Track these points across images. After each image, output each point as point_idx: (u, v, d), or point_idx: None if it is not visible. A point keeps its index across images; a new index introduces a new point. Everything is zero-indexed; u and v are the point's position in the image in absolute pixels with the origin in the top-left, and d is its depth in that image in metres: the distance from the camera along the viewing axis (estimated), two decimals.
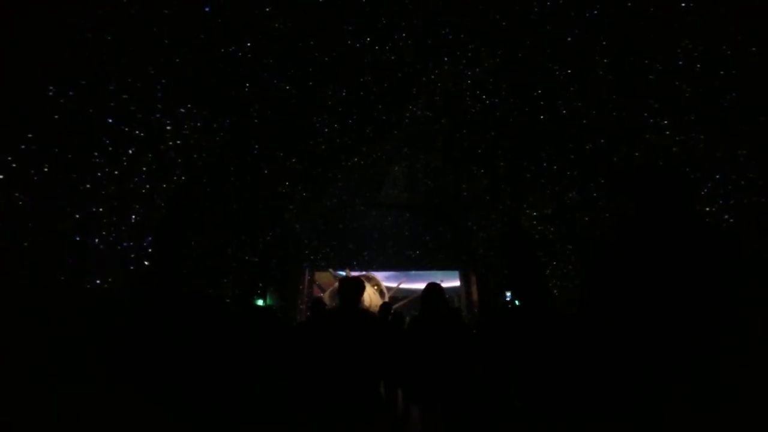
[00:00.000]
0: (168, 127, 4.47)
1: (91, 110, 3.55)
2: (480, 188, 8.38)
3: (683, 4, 3.52)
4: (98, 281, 4.06)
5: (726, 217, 3.78)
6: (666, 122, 4.32)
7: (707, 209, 3.90)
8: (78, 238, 3.79)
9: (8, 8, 2.83)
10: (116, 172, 3.99)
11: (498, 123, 6.16)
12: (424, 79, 5.57)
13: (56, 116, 3.28)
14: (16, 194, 3.21)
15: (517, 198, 7.70)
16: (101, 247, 4.04)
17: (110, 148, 3.84)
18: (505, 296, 8.92)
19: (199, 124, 4.96)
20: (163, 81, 4.15)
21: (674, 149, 4.28)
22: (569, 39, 4.33)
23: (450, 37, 4.82)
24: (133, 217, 4.42)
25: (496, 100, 5.78)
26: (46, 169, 3.32)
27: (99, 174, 3.85)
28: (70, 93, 3.36)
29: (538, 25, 4.35)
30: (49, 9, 3.01)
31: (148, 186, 4.46)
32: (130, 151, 4.12)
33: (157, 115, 4.32)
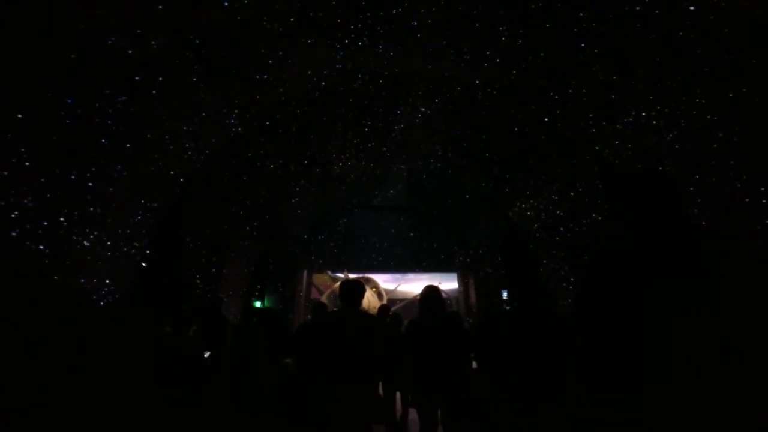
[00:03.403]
0: (166, 124, 4.46)
1: (89, 110, 3.54)
2: (479, 191, 8.39)
3: (682, 5, 3.54)
4: (94, 281, 4.04)
5: (719, 220, 3.80)
6: (662, 125, 4.33)
7: (702, 212, 3.91)
8: (75, 238, 3.77)
9: (6, 8, 2.82)
10: (114, 174, 3.97)
11: (497, 125, 6.18)
12: (423, 80, 5.58)
13: (54, 115, 3.27)
14: (13, 191, 3.19)
15: (516, 201, 7.72)
16: (98, 247, 4.02)
17: (109, 149, 3.83)
18: (502, 295, 8.92)
19: (197, 126, 4.95)
20: (161, 80, 4.14)
21: (670, 153, 4.30)
22: (568, 40, 4.35)
23: (450, 38, 4.84)
24: (131, 218, 4.40)
25: (494, 103, 5.79)
26: (42, 169, 3.30)
27: (96, 174, 3.84)
28: (68, 91, 3.34)
29: (537, 27, 4.37)
30: (48, 7, 3.00)
31: (146, 186, 4.45)
32: (127, 151, 4.11)
33: (157, 114, 4.31)
